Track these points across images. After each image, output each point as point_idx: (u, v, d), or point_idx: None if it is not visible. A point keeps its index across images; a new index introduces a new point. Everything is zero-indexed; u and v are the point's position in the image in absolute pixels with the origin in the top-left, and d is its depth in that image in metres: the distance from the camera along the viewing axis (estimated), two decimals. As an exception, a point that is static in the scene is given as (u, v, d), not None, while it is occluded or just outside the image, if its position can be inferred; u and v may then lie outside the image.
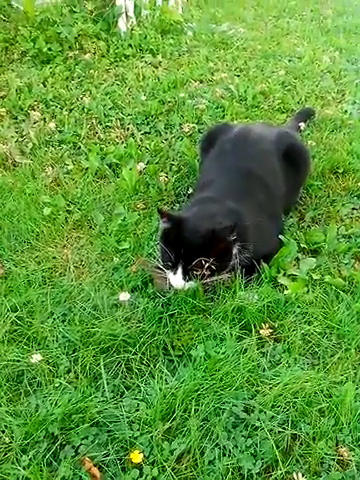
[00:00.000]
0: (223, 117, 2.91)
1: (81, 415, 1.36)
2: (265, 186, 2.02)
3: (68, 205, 2.25)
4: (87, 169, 2.48)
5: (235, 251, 1.74)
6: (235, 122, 2.74)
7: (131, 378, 1.49)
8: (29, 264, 1.93)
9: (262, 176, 2.03)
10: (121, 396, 1.45)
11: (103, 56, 3.74)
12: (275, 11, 5.19)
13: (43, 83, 3.35)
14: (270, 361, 1.54)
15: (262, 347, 1.58)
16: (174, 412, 1.34)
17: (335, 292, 1.76)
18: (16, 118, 2.99)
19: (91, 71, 3.49)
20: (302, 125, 2.74)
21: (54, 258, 1.96)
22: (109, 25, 3.88)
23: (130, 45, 3.81)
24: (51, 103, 3.11)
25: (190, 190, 2.31)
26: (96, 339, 1.56)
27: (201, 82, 3.40)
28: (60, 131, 2.83)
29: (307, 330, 1.62)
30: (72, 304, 1.72)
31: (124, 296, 1.66)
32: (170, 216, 1.73)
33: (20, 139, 2.77)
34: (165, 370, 1.48)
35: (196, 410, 1.35)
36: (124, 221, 2.11)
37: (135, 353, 1.53)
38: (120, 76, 3.46)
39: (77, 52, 3.68)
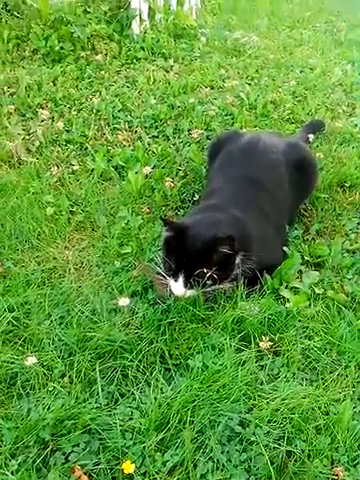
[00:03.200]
0: (232, 125, 2.89)
1: (73, 421, 1.34)
2: (272, 197, 2.01)
3: (71, 206, 2.24)
4: (93, 170, 2.46)
5: (238, 261, 1.72)
6: (244, 130, 2.71)
7: (126, 385, 1.47)
8: (29, 264, 1.91)
9: (269, 186, 2.01)
10: (115, 403, 1.42)
11: (115, 58, 3.72)
12: (289, 21, 5.19)
13: (53, 82, 3.33)
14: (268, 374, 1.52)
15: (261, 360, 1.55)
16: (168, 422, 1.32)
17: (337, 307, 1.74)
18: (24, 115, 2.97)
19: (102, 72, 3.47)
20: (311, 136, 2.72)
21: (55, 259, 1.94)
22: (122, 27, 3.87)
23: (142, 48, 3.80)
24: (60, 102, 3.09)
25: (195, 196, 2.29)
26: (93, 344, 1.54)
27: (212, 88, 3.38)
28: (68, 131, 2.82)
29: (307, 345, 1.60)
30: (70, 307, 1.70)
31: (123, 301, 1.64)
32: (173, 224, 1.71)
33: (27, 137, 2.76)
34: (161, 379, 1.46)
35: (191, 422, 1.33)
36: (127, 225, 2.09)
37: (132, 360, 1.51)
38: (131, 78, 3.44)
39: (89, 52, 3.66)
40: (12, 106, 3.00)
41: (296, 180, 2.10)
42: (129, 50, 3.77)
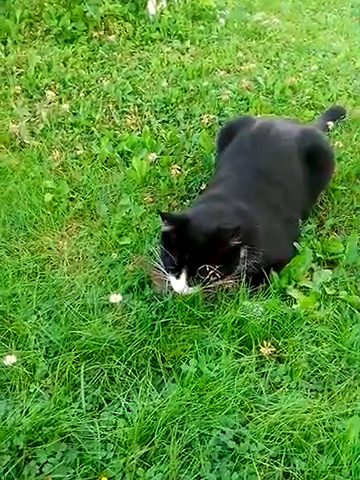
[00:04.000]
0: (247, 110, 2.73)
1: (52, 428, 1.23)
2: (282, 187, 1.86)
3: (72, 192, 2.12)
4: (97, 156, 2.34)
5: (243, 254, 1.59)
6: (258, 116, 2.55)
7: (114, 390, 1.36)
8: (22, 253, 1.81)
9: (280, 176, 1.87)
10: (100, 409, 1.31)
11: (129, 39, 3.57)
12: (314, 4, 4.94)
13: (63, 62, 3.21)
14: (269, 383, 1.39)
15: (262, 367, 1.43)
16: (154, 435, 1.20)
17: (349, 311, 1.60)
18: (31, 97, 2.87)
19: (114, 53, 3.34)
20: (331, 124, 2.55)
21: (49, 249, 1.84)
22: (138, 7, 3.71)
23: (158, 29, 3.63)
24: (69, 83, 2.97)
25: (203, 186, 2.15)
26: (80, 343, 1.43)
27: (228, 72, 3.22)
28: (74, 114, 2.70)
29: (314, 351, 1.46)
30: (61, 301, 1.59)
31: (115, 298, 1.52)
32: (172, 217, 1.59)
33: (32, 119, 2.65)
34: (150, 384, 1.34)
35: (179, 434, 1.21)
36: (128, 214, 1.97)
37: (120, 362, 1.39)
38: (144, 60, 3.29)
39: (102, 33, 3.52)
40: (19, 87, 2.89)
41: (310, 170, 1.95)
42: (144, 31, 3.61)
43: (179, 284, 1.55)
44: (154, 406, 1.26)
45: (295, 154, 1.95)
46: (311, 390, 1.38)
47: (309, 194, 1.98)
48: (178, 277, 1.54)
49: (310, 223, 1.98)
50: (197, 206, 1.72)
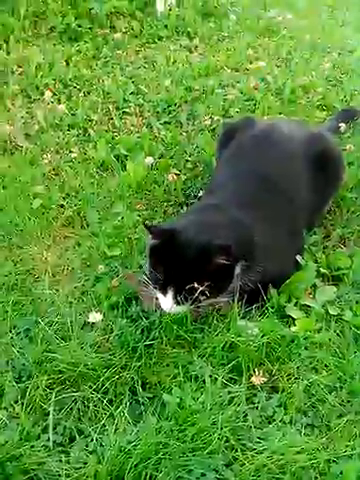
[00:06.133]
0: (254, 111, 2.59)
1: (16, 464, 1.11)
2: (286, 196, 1.71)
3: (63, 198, 2.00)
4: (92, 159, 2.22)
5: (238, 271, 1.45)
6: (264, 118, 2.41)
7: (89, 419, 1.23)
8: (5, 264, 1.70)
9: (283, 184, 1.72)
10: (71, 442, 1.19)
11: (135, 37, 3.47)
12: (331, 0, 4.76)
13: (66, 61, 3.12)
14: (260, 416, 1.25)
15: (253, 396, 1.29)
16: (123, 478, 1.07)
17: (354, 334, 1.44)
18: (30, 97, 2.77)
19: (119, 52, 3.23)
20: (342, 126, 2.38)
21: (33, 259, 1.72)
22: (145, 4, 3.60)
23: (165, 26, 3.53)
24: (70, 83, 2.87)
25: (201, 192, 2.02)
26: (55, 366, 1.31)
27: (237, 71, 3.08)
28: (73, 114, 2.59)
29: (313, 381, 1.31)
30: (39, 318, 1.47)
31: (94, 317, 1.40)
32: (159, 230, 1.46)
33: (29, 121, 2.54)
34: (127, 415, 1.21)
35: (152, 477, 1.07)
36: (120, 222, 1.85)
37: (96, 390, 1.26)
38: (149, 59, 3.18)
39: (108, 31, 3.43)
40: (17, 86, 2.79)
41: (318, 177, 1.80)
42: (151, 28, 3.51)
43: (166, 302, 1.42)
44: (129, 442, 1.13)
45: (301, 159, 1.80)
46: (307, 425, 1.23)
47: (316, 203, 1.83)
48: (165, 295, 1.41)
49: (315, 234, 1.83)
50: (188, 216, 1.58)
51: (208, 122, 2.42)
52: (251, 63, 3.15)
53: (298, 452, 1.14)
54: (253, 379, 1.28)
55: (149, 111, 2.60)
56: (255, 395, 1.28)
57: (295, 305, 1.54)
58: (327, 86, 2.91)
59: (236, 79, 2.91)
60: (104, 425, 1.20)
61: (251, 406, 1.25)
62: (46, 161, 2.20)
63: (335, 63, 3.25)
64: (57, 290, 1.59)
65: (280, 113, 2.57)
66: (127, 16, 3.52)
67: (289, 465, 1.11)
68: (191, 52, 3.33)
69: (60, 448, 1.17)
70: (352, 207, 1.98)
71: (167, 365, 1.33)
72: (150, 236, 1.45)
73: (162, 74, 2.95)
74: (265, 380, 1.28)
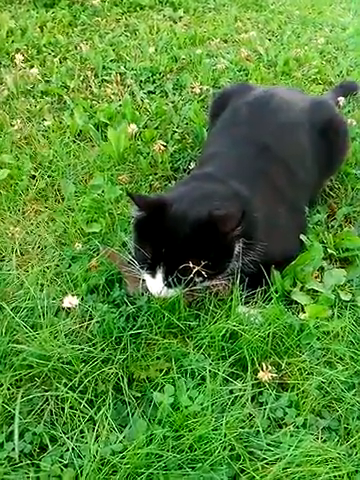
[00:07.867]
0: (246, 82, 2.38)
1: (-29, 481, 0.89)
2: (287, 168, 1.51)
3: (34, 169, 1.77)
4: (68, 127, 1.99)
5: (237, 249, 1.25)
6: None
7: (64, 424, 1.02)
8: (-34, 242, 1.46)
9: (284, 155, 1.52)
10: (42, 452, 0.97)
11: (116, 5, 3.21)
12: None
13: (40, 28, 2.85)
14: (269, 418, 1.05)
15: (260, 395, 1.09)
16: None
17: (371, 322, 1.26)
18: (0, 63, 2.50)
19: (98, 19, 2.98)
20: (342, 100, 2.21)
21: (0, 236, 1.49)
22: (127, -31, 3.35)
23: (148, -6, 3.28)
24: (44, 49, 2.61)
25: (192, 164, 1.81)
26: (21, 359, 1.09)
27: (225, 42, 2.87)
28: (47, 81, 2.34)
29: (327, 376, 1.12)
30: (5, 303, 1.24)
31: (70, 301, 1.18)
32: (146, 202, 1.24)
33: (-1, 87, 2.29)
34: (110, 419, 1.00)
35: (144, 497, 0.87)
36: (101, 196, 1.62)
37: (72, 388, 1.05)
38: (131, 27, 2.94)
39: (85, -3, 3.17)
40: (-15, 52, 2.52)
41: (321, 148, 1.60)
42: (133, -4, 3.25)
43: (156, 285, 1.21)
44: (113, 453, 0.92)
45: (304, 129, 1.60)
46: (323, 428, 1.05)
47: (318, 177, 1.65)
48: (154, 276, 1.20)
49: (319, 212, 1.65)
50: (179, 187, 1.37)
51: (197, 91, 2.19)
52: (240, 34, 2.94)
53: (316, 462, 0.95)
54: (260, 375, 1.08)
55: (132, 79, 2.36)
56: (261, 393, 1.09)
57: (301, 290, 1.36)
58: (321, 61, 2.73)
59: (225, 50, 2.70)
60: (82, 431, 0.99)
61: (258, 404, 1.06)
62: (15, 128, 1.95)
63: (328, 39, 3.07)
64: (26, 271, 1.37)
65: (274, 85, 2.38)
66: (107, -18, 3.26)
67: (308, 478, 0.92)
68: (175, 22, 3.10)
69: (28, 460, 0.95)
70: (357, 184, 1.79)
71: (157, 358, 1.13)
72: (136, 208, 1.23)
73: (145, 42, 2.72)
74: (274, 375, 1.08)
